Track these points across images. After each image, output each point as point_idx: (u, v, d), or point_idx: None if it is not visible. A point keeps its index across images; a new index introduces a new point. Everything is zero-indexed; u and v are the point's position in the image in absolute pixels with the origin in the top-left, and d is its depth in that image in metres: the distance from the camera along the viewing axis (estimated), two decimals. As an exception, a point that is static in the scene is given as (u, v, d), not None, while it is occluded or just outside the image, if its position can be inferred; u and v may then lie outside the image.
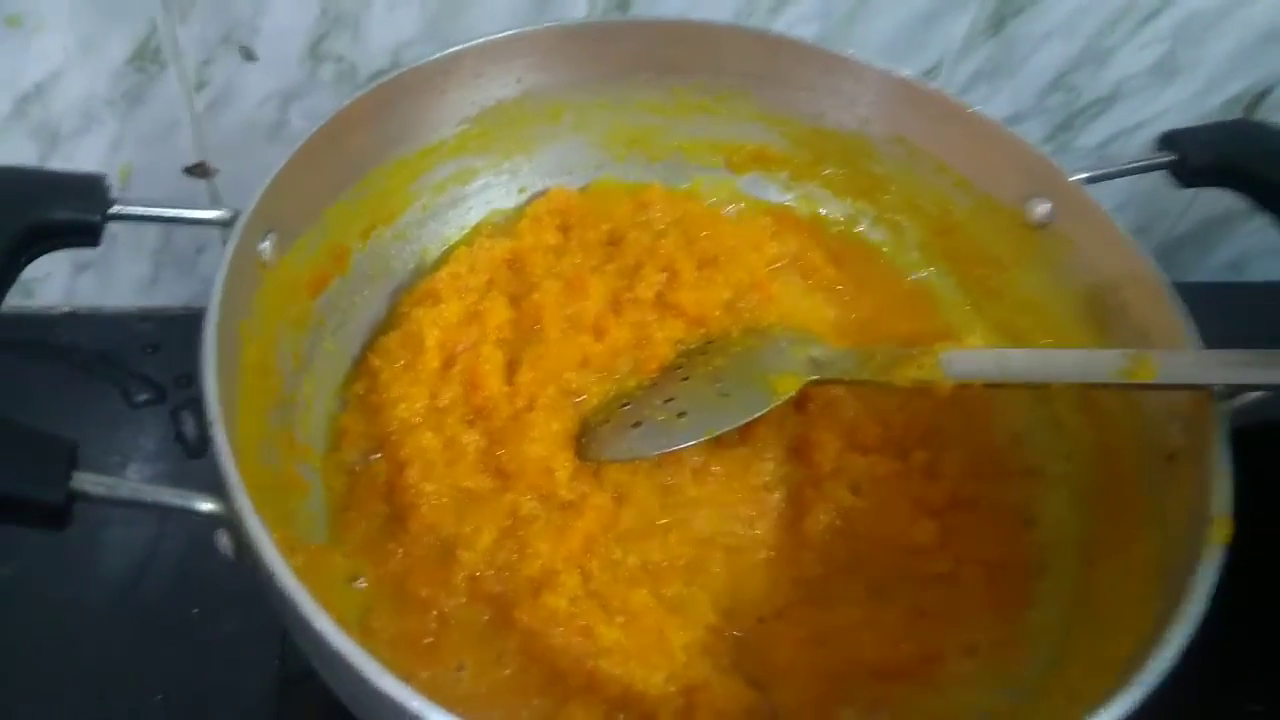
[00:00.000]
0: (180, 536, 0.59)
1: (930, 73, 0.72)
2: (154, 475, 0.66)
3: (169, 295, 0.75)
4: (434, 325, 0.50)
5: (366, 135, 0.50)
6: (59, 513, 0.33)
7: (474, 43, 0.51)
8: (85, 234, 0.40)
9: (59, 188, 0.40)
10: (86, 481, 0.34)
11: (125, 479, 0.35)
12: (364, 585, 0.45)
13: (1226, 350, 0.44)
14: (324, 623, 0.32)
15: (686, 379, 0.50)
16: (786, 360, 0.50)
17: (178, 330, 0.74)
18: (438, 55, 0.50)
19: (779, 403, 0.48)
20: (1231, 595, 0.38)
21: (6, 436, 0.34)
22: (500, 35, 0.52)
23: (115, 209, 0.41)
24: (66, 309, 0.73)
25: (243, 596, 0.53)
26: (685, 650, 0.44)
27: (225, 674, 0.53)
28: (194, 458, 0.67)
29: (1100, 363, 0.45)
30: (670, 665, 0.43)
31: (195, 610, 0.56)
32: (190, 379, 0.71)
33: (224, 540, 0.36)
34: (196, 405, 0.70)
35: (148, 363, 0.72)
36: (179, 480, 0.64)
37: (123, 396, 0.71)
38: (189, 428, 0.69)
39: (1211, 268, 0.91)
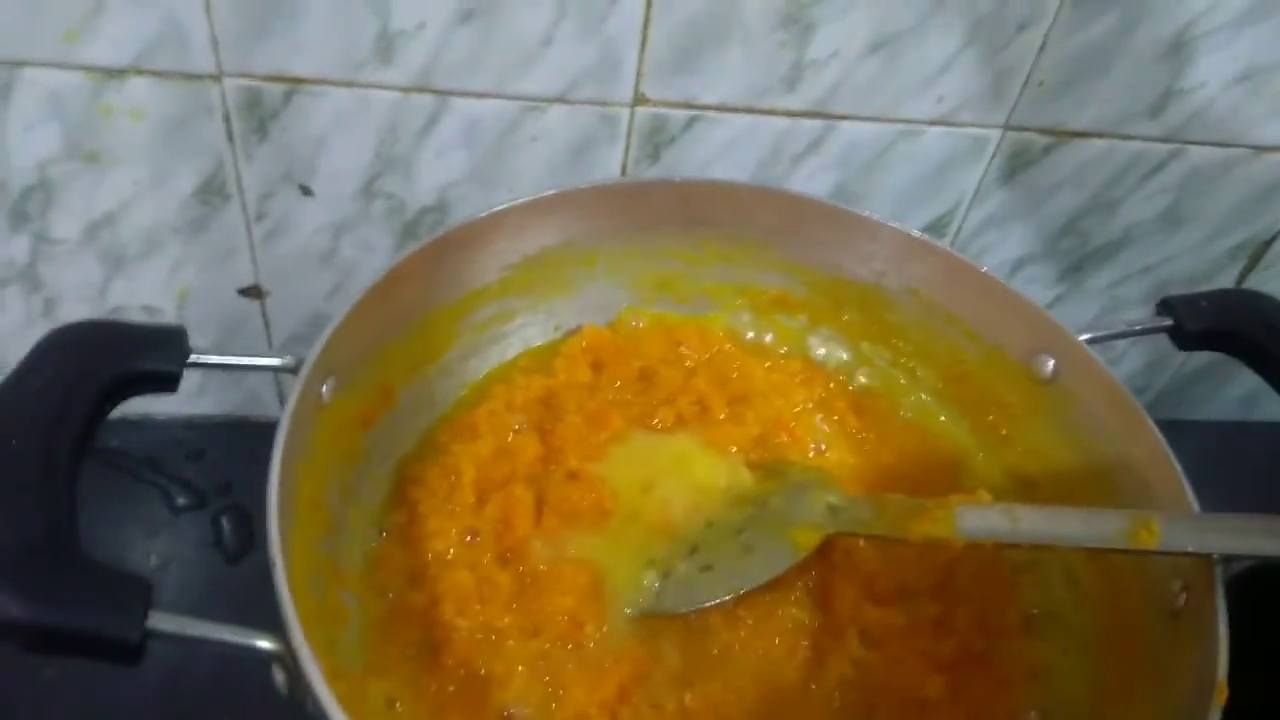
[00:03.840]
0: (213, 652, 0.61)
1: (945, 217, 0.76)
2: (194, 580, 0.68)
3: (214, 405, 0.78)
4: (471, 462, 0.53)
5: (417, 285, 0.53)
6: (135, 650, 0.36)
7: (520, 201, 0.55)
8: (167, 382, 0.43)
9: (145, 342, 0.43)
10: (161, 620, 0.36)
11: (196, 622, 0.38)
12: (401, 711, 0.47)
13: (1225, 516, 0.46)
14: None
15: (710, 525, 0.53)
16: (806, 509, 0.52)
17: (220, 438, 0.78)
18: (486, 213, 0.54)
19: (800, 559, 0.50)
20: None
21: (88, 574, 0.37)
22: (545, 194, 0.56)
23: (193, 358, 0.44)
24: (116, 416, 0.77)
25: (275, 708, 0.55)
26: None
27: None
28: (232, 564, 0.70)
29: (1105, 528, 0.47)
30: None
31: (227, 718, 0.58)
32: (230, 486, 0.75)
33: (278, 676, 0.39)
34: (235, 511, 0.74)
35: (190, 469, 0.76)
36: (219, 586, 0.68)
37: (165, 501, 0.74)
38: (227, 534, 0.72)
39: (1224, 403, 0.93)
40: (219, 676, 0.60)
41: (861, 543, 0.53)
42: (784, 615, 0.51)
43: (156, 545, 0.70)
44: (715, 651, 0.49)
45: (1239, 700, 0.41)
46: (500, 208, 0.55)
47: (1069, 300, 0.82)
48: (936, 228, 0.76)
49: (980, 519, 0.49)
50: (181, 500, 0.74)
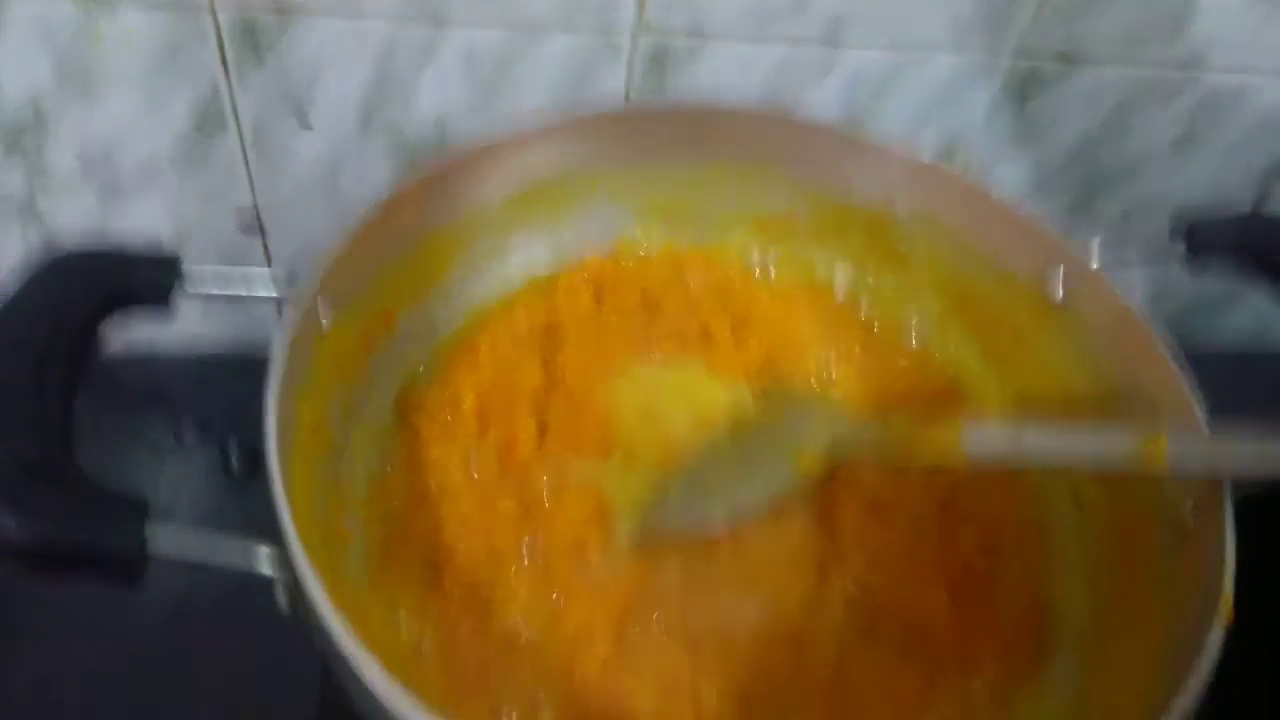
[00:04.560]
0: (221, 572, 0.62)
1: (953, 145, 0.74)
2: (201, 507, 0.68)
3: (219, 333, 0.78)
4: (472, 389, 0.53)
5: (416, 211, 0.52)
6: (135, 567, 0.36)
7: (521, 127, 0.54)
8: (159, 300, 0.44)
9: (137, 268, 0.44)
10: (160, 539, 0.36)
11: (196, 534, 0.38)
12: (405, 632, 0.47)
13: (1236, 437, 0.45)
14: (376, 676, 0.35)
15: (713, 449, 0.53)
16: (810, 433, 0.52)
17: (226, 367, 0.77)
18: (486, 138, 0.53)
19: (803, 481, 0.50)
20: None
21: (85, 493, 0.37)
22: (546, 120, 0.55)
23: (188, 288, 0.45)
24: (121, 347, 0.77)
25: (280, 634, 0.56)
26: (714, 706, 0.46)
27: (266, 703, 0.56)
28: (239, 490, 0.70)
29: (1113, 444, 0.46)
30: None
31: (236, 641, 0.58)
32: (236, 414, 0.74)
33: (281, 596, 0.39)
34: (243, 441, 0.74)
35: (197, 401, 0.75)
36: (228, 511, 0.68)
37: (172, 431, 0.74)
38: (235, 463, 0.72)
39: (1233, 333, 0.92)
40: (228, 601, 0.60)
41: (865, 465, 0.52)
42: (787, 536, 0.51)
43: (165, 475, 0.70)
44: (719, 571, 0.49)
45: (1242, 626, 0.41)
46: (501, 133, 0.54)
47: (1079, 230, 0.81)
48: (945, 155, 0.74)
49: (986, 440, 0.48)
50: (189, 431, 0.74)
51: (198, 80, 0.62)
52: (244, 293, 0.46)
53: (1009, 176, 0.77)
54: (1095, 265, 0.54)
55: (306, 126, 0.65)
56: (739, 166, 0.61)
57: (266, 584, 0.39)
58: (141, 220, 0.69)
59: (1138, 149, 0.77)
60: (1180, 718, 0.37)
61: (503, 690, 0.45)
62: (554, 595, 0.48)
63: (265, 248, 0.73)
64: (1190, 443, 0.46)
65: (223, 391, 0.75)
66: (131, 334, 0.75)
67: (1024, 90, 0.71)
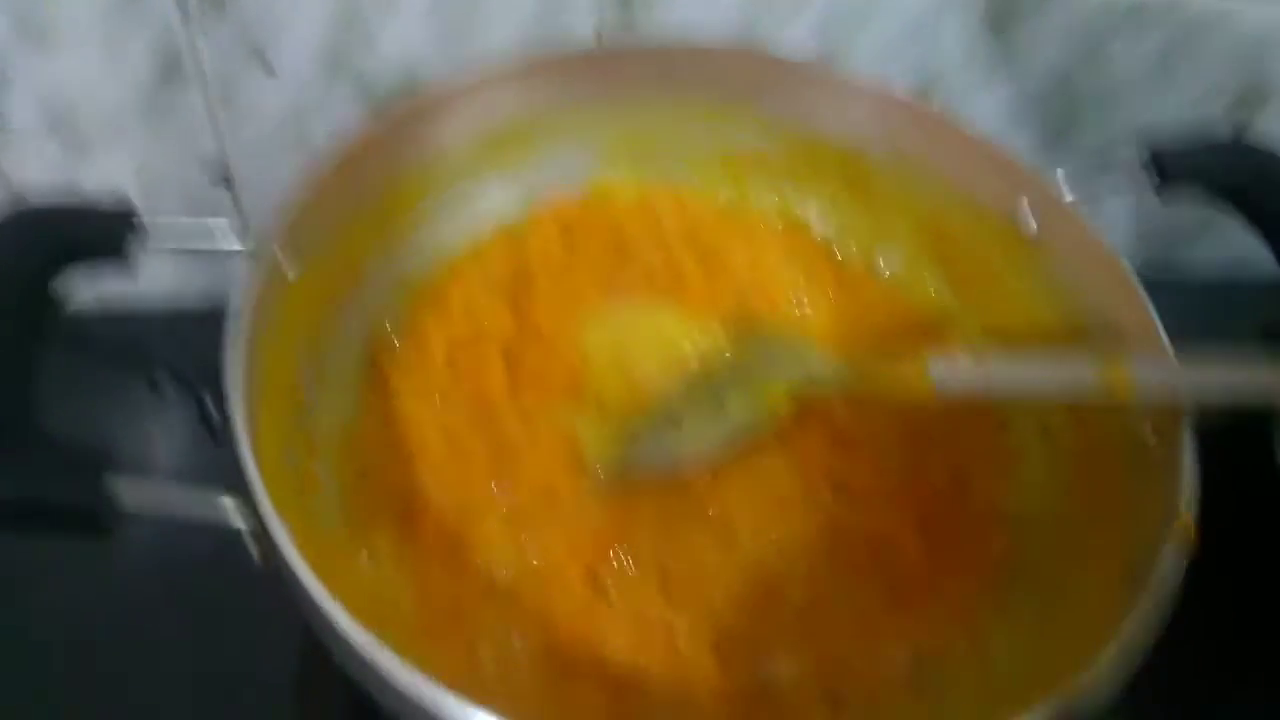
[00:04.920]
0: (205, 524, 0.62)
1: (929, 78, 0.73)
2: (181, 464, 0.68)
3: (193, 288, 0.77)
4: (442, 335, 0.53)
5: (382, 156, 0.52)
6: (99, 519, 0.36)
7: (487, 67, 0.54)
8: (115, 250, 0.43)
9: (92, 224, 0.43)
10: (124, 490, 0.36)
11: (159, 486, 0.38)
12: (380, 578, 0.48)
13: (1199, 358, 0.46)
14: (347, 623, 0.35)
15: (685, 390, 0.53)
16: (781, 369, 0.52)
17: (201, 321, 0.77)
18: (451, 80, 0.53)
19: (774, 417, 0.50)
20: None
21: (44, 447, 0.37)
22: (513, 60, 0.54)
23: (148, 243, 0.44)
24: (94, 303, 0.76)
25: (261, 585, 0.56)
26: (688, 640, 0.46)
27: (251, 655, 0.56)
28: (218, 447, 0.70)
29: (1079, 376, 0.46)
30: (673, 654, 0.46)
31: (221, 594, 0.59)
32: (213, 370, 0.74)
33: (253, 547, 0.39)
34: (220, 395, 0.74)
35: (172, 354, 0.75)
36: (206, 468, 0.68)
37: (149, 387, 0.73)
38: (214, 418, 0.72)
39: (1207, 266, 0.92)
40: (209, 550, 0.60)
41: (835, 400, 0.53)
42: (757, 471, 0.51)
43: (141, 430, 0.70)
44: (691, 509, 0.50)
45: (1209, 559, 0.41)
46: (467, 74, 0.53)
47: (1055, 163, 0.80)
48: (920, 89, 0.73)
49: (953, 373, 0.49)
50: (164, 385, 0.73)
51: (156, 27, 0.61)
52: (205, 246, 0.46)
53: (985, 109, 0.76)
54: (1068, 198, 0.53)
55: (271, 74, 0.64)
56: (710, 105, 0.60)
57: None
58: (108, 175, 0.68)
59: (1116, 78, 0.76)
60: (1133, 638, 0.38)
61: (478, 632, 0.46)
62: (528, 538, 0.48)
63: (234, 200, 0.72)
64: (1154, 370, 0.46)
65: (197, 344, 0.75)
66: (103, 289, 0.75)
67: (1001, 21, 0.70)
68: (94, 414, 0.70)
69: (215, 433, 0.69)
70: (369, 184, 0.52)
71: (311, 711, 0.54)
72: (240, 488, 0.39)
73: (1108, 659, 0.37)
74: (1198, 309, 0.50)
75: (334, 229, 0.51)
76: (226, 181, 0.70)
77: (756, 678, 0.46)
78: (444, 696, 0.34)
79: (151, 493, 0.37)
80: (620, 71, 0.58)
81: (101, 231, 0.43)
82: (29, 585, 0.59)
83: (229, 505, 0.38)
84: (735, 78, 0.59)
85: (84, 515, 0.36)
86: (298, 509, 0.45)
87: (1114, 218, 0.85)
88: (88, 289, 0.74)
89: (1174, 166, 0.54)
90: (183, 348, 0.75)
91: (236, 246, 0.47)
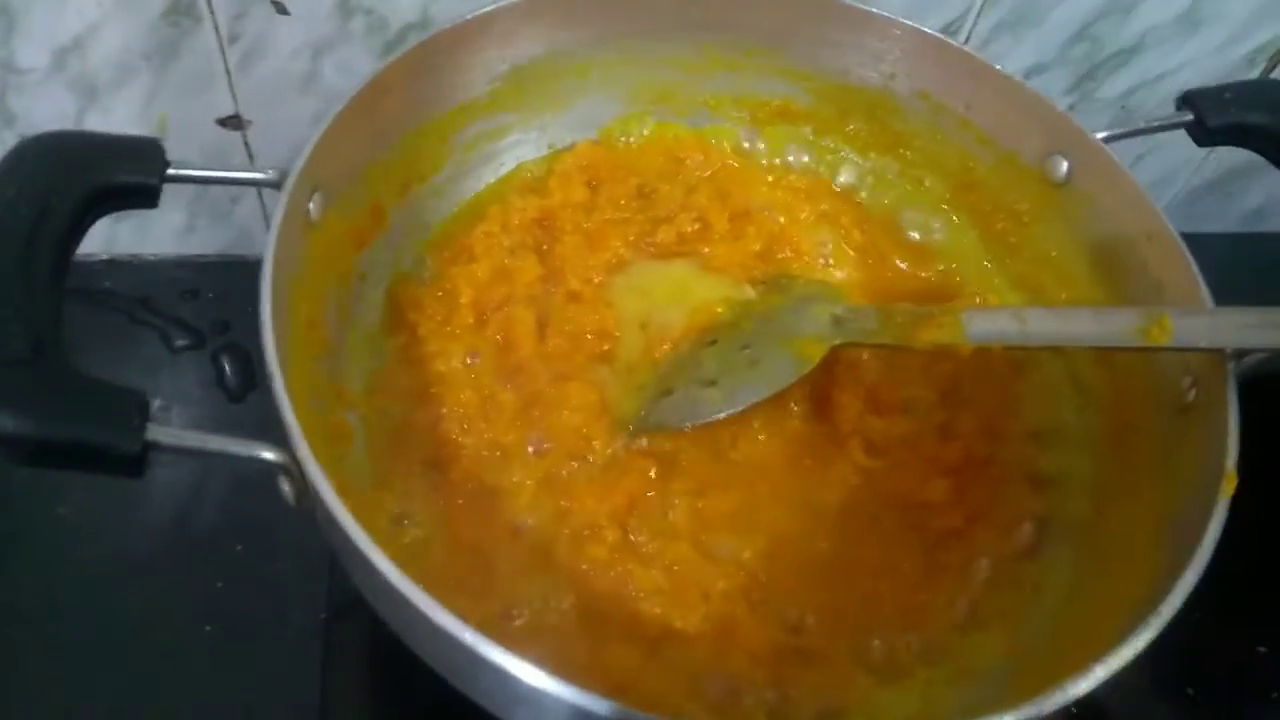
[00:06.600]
0: (225, 476, 0.61)
1: (955, 23, 0.72)
2: (198, 418, 0.68)
3: (205, 243, 0.76)
4: (468, 284, 0.52)
5: (402, 96, 0.51)
6: (135, 462, 0.35)
7: (506, 3, 0.52)
8: (145, 195, 0.41)
9: (119, 152, 0.41)
10: (160, 432, 0.36)
11: (193, 433, 0.37)
12: (411, 528, 0.47)
13: (1239, 310, 0.45)
14: (384, 563, 0.35)
15: (714, 343, 0.52)
16: (811, 321, 0.51)
17: (214, 277, 0.76)
18: (470, 16, 0.51)
19: (805, 371, 0.49)
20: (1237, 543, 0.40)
21: (81, 387, 0.36)
22: (532, -1, 0.53)
23: (171, 171, 0.42)
24: (106, 256, 0.75)
25: (287, 533, 0.56)
26: (721, 594, 0.46)
27: (273, 607, 0.56)
28: (235, 402, 0.70)
29: (1116, 325, 0.46)
30: (706, 607, 0.46)
31: (240, 547, 0.58)
32: (227, 325, 0.74)
33: (285, 487, 0.38)
34: (235, 350, 0.73)
35: (186, 308, 0.74)
36: (222, 423, 0.68)
37: (163, 341, 0.73)
38: (229, 372, 0.71)
39: (1235, 217, 0.91)
40: (230, 504, 0.60)
41: (865, 355, 0.52)
42: (788, 427, 0.51)
43: (158, 385, 0.70)
44: (722, 464, 0.49)
45: (1243, 504, 0.41)
46: (485, 10, 0.52)
47: (1082, 110, 0.79)
48: (946, 34, 0.72)
49: (987, 322, 0.48)
50: (179, 340, 0.73)
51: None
52: (227, 174, 0.45)
53: (1011, 56, 0.75)
54: (1100, 136, 0.52)
55: (284, 11, 0.62)
56: (734, 46, 0.59)
57: (267, 482, 0.39)
58: (118, 120, 0.67)
59: (1141, 26, 0.74)
60: (1184, 596, 0.37)
61: (510, 586, 0.45)
62: (559, 487, 0.48)
63: (247, 146, 0.70)
64: (1194, 317, 0.45)
65: (211, 301, 0.75)
66: (117, 239, 0.75)
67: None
68: (108, 369, 0.70)
69: (234, 396, 0.68)
70: (390, 126, 0.52)
71: (336, 657, 0.54)
72: (269, 437, 0.38)
73: (1150, 615, 0.37)
74: (1219, 260, 0.49)
75: (357, 171, 0.50)
76: (238, 122, 0.69)
77: (789, 633, 0.46)
78: (475, 636, 0.33)
79: (186, 438, 0.37)
80: (643, 10, 0.57)
81: (131, 160, 0.41)
82: (49, 535, 0.59)
83: (263, 448, 0.38)
84: (762, 17, 0.58)
85: (120, 457, 0.35)
86: (329, 457, 0.45)
87: (1144, 170, 0.84)
88: (103, 235, 0.74)
89: (1205, 104, 0.53)
90: (198, 305, 0.74)
91: (255, 175, 0.45)
